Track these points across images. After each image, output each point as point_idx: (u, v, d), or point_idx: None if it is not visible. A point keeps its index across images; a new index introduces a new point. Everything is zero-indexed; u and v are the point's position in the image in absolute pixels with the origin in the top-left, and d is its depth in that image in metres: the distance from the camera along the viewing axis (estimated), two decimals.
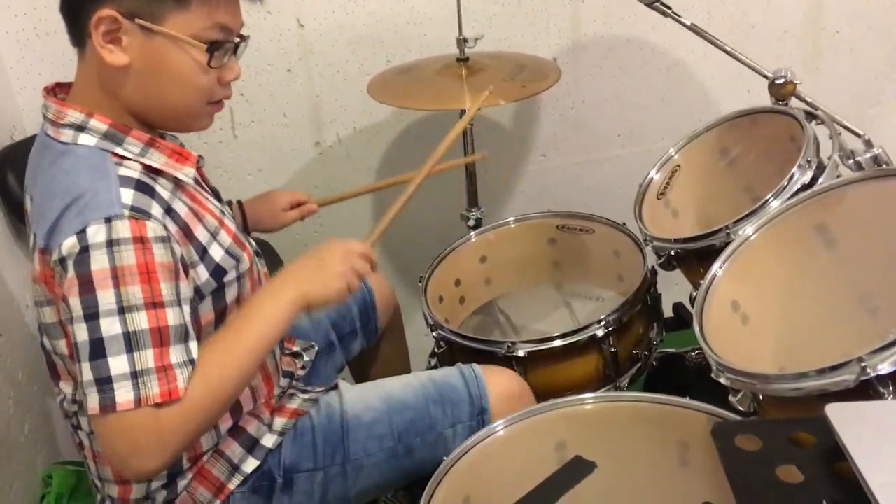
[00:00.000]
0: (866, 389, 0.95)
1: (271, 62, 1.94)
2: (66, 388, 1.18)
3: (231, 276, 1.17)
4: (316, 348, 1.51)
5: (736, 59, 1.63)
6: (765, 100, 1.60)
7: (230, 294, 1.18)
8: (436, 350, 1.59)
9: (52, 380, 1.20)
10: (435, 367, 1.78)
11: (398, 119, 2.07)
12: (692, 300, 1.37)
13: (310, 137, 2.05)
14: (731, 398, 1.13)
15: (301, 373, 1.40)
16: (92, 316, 0.97)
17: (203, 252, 1.12)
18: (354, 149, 2.08)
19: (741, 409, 1.12)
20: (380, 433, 1.30)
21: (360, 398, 1.34)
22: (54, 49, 1.74)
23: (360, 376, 1.78)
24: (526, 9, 2.03)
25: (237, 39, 1.14)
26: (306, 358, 1.45)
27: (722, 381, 1.12)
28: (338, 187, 2.09)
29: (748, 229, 1.32)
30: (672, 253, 1.47)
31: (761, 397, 1.11)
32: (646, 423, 1.17)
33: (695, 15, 1.65)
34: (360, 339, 1.65)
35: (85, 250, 0.97)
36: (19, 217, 1.60)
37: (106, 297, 0.97)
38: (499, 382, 1.36)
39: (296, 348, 1.46)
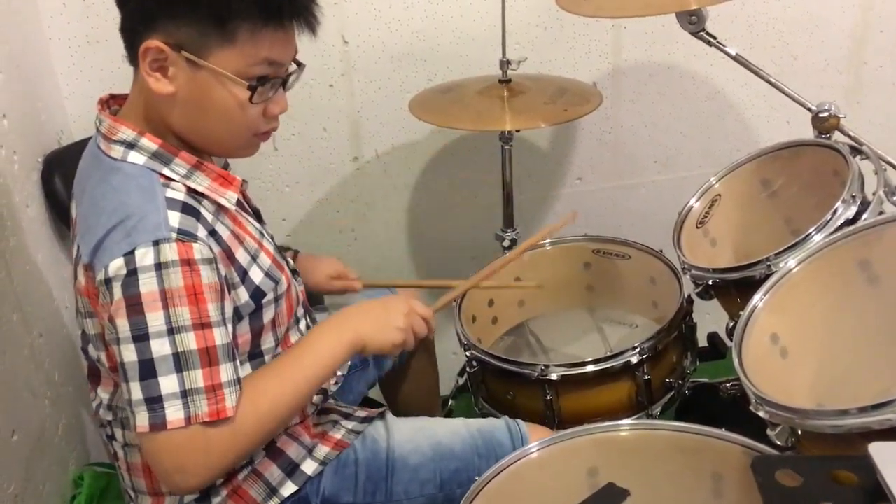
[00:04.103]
0: None
1: (314, 77, 1.96)
2: (103, 394, 1.19)
3: (269, 297, 1.18)
4: (349, 363, 1.51)
5: (780, 90, 1.62)
6: (805, 132, 1.59)
7: (267, 315, 1.19)
8: (468, 369, 1.59)
9: (90, 384, 1.22)
10: (464, 385, 1.78)
11: (437, 137, 2.08)
12: (728, 331, 1.36)
13: (348, 152, 2.06)
14: (769, 432, 1.12)
15: (334, 388, 1.40)
16: (141, 337, 0.99)
17: (244, 275, 1.13)
18: (392, 165, 2.09)
19: (779, 443, 1.10)
20: (424, 478, 1.29)
21: (408, 439, 1.33)
22: (104, 57, 1.77)
23: (390, 393, 1.79)
24: (568, 33, 2.03)
25: (293, 66, 1.15)
26: (339, 373, 1.45)
27: (761, 414, 1.11)
28: (373, 202, 2.11)
29: (790, 262, 1.31)
30: (710, 282, 1.46)
31: (800, 432, 1.09)
32: (681, 453, 1.16)
33: (737, 44, 1.64)
34: (393, 357, 1.65)
35: (133, 273, 0.99)
36: (64, 220, 1.63)
37: (155, 319, 0.99)
38: None
39: None
